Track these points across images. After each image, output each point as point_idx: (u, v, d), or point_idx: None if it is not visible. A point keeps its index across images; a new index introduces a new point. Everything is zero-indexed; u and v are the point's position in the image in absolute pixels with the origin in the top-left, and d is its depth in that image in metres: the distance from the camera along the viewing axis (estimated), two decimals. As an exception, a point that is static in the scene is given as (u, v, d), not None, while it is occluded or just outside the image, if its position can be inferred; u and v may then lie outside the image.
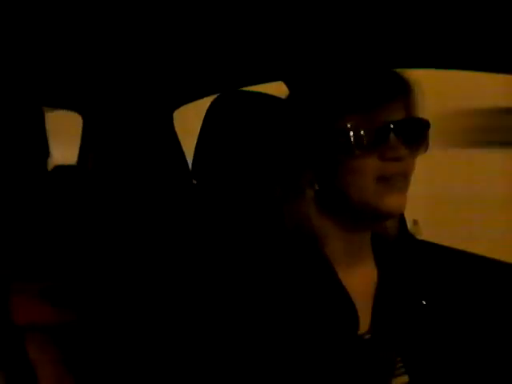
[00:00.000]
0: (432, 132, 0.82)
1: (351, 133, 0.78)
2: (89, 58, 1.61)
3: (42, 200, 1.31)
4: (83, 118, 1.93)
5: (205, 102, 1.62)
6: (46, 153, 1.33)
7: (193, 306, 0.79)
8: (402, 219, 0.93)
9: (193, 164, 1.13)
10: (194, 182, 1.19)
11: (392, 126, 0.78)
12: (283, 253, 0.81)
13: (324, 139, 0.80)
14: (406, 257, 0.87)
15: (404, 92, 0.80)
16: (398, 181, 0.79)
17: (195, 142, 1.17)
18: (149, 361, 0.89)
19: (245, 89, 1.43)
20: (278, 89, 1.18)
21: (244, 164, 1.00)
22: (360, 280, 0.83)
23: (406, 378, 0.81)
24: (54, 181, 1.55)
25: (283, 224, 0.82)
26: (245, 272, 0.79)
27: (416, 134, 0.80)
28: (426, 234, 1.20)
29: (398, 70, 0.82)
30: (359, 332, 0.81)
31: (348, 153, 0.79)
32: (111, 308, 1.09)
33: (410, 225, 1.04)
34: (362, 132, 0.78)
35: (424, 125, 0.81)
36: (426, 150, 0.81)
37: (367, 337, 0.81)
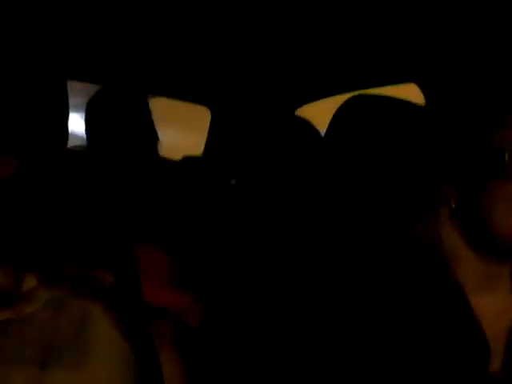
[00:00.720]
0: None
1: (507, 153, 0.71)
2: (218, 55, 1.68)
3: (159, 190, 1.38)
4: (212, 112, 2.01)
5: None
6: (154, 139, 1.41)
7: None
8: None
9: (317, 165, 1.13)
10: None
11: None
12: (410, 272, 0.75)
13: (474, 154, 0.74)
14: None
15: None
16: None
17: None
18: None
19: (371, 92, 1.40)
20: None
21: (373, 171, 0.98)
22: (493, 311, 0.75)
23: None
24: (183, 171, 1.64)
25: (412, 240, 0.77)
26: (370, 287, 0.75)
27: None
28: None
29: None
30: (490, 369, 0.73)
31: (500, 175, 0.71)
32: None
33: None
34: (507, 156, 0.70)
35: None
36: None
37: (498, 376, 0.74)
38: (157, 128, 1.43)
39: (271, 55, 1.63)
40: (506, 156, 0.71)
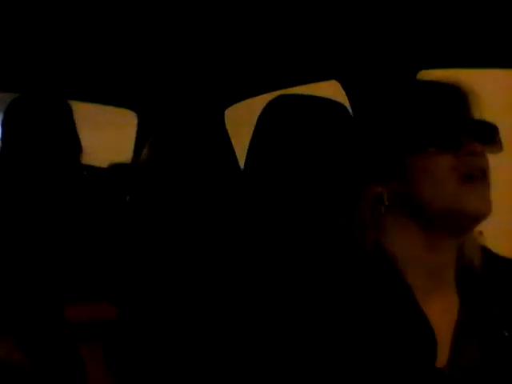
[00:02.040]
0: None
1: (422, 130, 0.75)
2: (143, 57, 1.64)
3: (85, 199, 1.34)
4: (138, 116, 1.97)
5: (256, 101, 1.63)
6: (77, 148, 1.36)
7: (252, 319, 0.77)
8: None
9: (245, 165, 1.13)
10: (245, 182, 1.18)
11: (465, 123, 0.75)
12: (355, 270, 0.77)
13: (390, 143, 0.77)
14: (489, 282, 0.80)
15: (471, 99, 0.78)
16: (479, 177, 0.74)
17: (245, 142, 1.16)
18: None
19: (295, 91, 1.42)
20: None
21: (300, 170, 0.99)
22: (440, 307, 0.77)
23: None
24: (110, 179, 1.59)
25: (356, 244, 0.78)
26: (317, 290, 0.75)
27: (488, 133, 0.77)
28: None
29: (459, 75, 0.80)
30: (437, 365, 0.74)
31: (420, 150, 0.74)
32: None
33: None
34: (433, 129, 0.75)
35: (493, 126, 0.78)
36: (499, 151, 0.77)
37: (445, 371, 0.75)
38: (81, 135, 1.38)
39: (196, 56, 1.61)
40: (424, 135, 0.74)
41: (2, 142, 1.34)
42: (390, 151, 0.77)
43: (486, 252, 0.83)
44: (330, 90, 1.27)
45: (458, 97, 0.77)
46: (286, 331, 0.74)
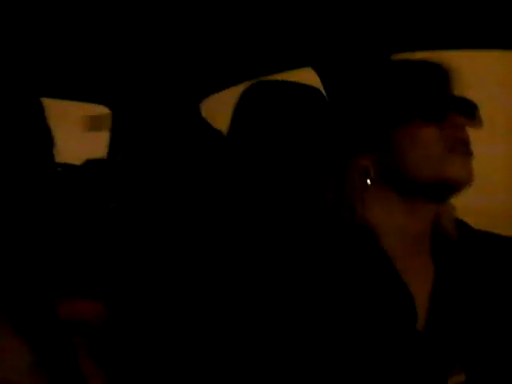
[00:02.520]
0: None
1: (409, 103, 0.78)
2: (116, 52, 1.62)
3: (58, 195, 1.32)
4: (112, 111, 1.94)
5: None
6: (50, 144, 1.34)
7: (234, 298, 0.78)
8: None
9: (226, 148, 1.12)
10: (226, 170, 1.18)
11: (449, 99, 0.78)
12: (338, 243, 0.79)
13: (378, 116, 0.79)
14: (463, 251, 0.84)
15: (453, 77, 0.81)
16: (461, 147, 0.77)
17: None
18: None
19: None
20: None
21: (282, 153, 0.99)
22: (417, 274, 0.81)
23: (462, 377, 0.78)
24: (85, 174, 1.57)
25: (337, 214, 0.80)
26: (297, 261, 0.78)
27: (469, 108, 0.80)
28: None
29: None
30: (416, 327, 0.78)
31: (406, 121, 0.77)
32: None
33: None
34: (420, 102, 0.78)
35: (473, 103, 0.81)
36: (480, 126, 0.80)
37: (423, 333, 0.79)
38: (54, 132, 1.35)
39: (169, 50, 1.60)
40: (410, 107, 0.77)
41: None
42: (377, 123, 0.80)
43: (459, 223, 0.86)
44: (305, 77, 1.27)
45: (441, 73, 0.80)
46: (275, 296, 0.75)
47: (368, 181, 0.80)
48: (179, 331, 0.97)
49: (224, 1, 1.30)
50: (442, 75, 0.80)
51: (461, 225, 0.86)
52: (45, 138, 1.33)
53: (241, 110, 1.07)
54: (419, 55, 0.83)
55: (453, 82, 0.81)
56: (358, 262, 0.79)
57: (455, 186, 0.79)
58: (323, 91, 1.15)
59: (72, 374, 0.71)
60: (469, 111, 0.80)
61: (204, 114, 1.81)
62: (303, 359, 0.75)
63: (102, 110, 1.94)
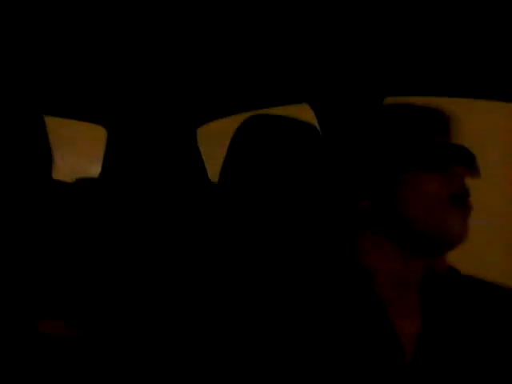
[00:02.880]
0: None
1: (413, 150, 0.78)
2: (114, 72, 1.64)
3: (53, 210, 1.33)
4: (108, 132, 1.95)
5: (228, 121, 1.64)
6: (49, 160, 1.35)
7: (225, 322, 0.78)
8: None
9: (220, 183, 1.14)
10: (218, 199, 1.19)
11: (451, 148, 0.79)
12: (332, 279, 0.80)
13: (380, 162, 0.80)
14: (451, 293, 0.85)
15: (451, 125, 0.82)
16: (464, 200, 0.78)
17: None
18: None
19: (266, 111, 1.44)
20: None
21: (276, 188, 1.01)
22: (406, 314, 0.81)
23: None
24: (77, 193, 1.57)
25: (334, 252, 0.81)
26: (289, 294, 0.78)
27: (469, 158, 0.80)
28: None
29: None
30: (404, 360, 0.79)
31: (410, 169, 0.78)
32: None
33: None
34: (423, 150, 0.78)
35: (471, 153, 0.82)
36: (478, 176, 0.81)
37: (411, 363, 0.79)
38: (53, 150, 1.37)
39: (168, 74, 1.62)
40: (416, 155, 0.78)
41: None
42: (378, 169, 0.80)
43: (451, 269, 0.87)
44: (301, 112, 1.30)
45: (442, 121, 0.82)
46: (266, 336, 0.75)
47: (365, 222, 0.80)
48: (177, 333, 0.97)
49: (226, 33, 1.33)
50: (443, 123, 0.81)
51: (452, 270, 0.87)
52: (45, 155, 1.34)
53: (236, 144, 1.09)
54: (415, 100, 0.85)
55: (452, 130, 0.82)
56: (349, 299, 0.79)
57: (452, 242, 0.79)
58: (318, 128, 1.18)
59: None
60: (469, 161, 0.80)
61: (199, 139, 1.84)
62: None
63: (98, 130, 1.96)
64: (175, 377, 0.94)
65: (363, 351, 0.77)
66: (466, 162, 0.79)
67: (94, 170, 1.91)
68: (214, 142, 1.53)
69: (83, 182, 1.62)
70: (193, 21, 1.32)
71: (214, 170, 1.38)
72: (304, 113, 1.31)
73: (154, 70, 1.61)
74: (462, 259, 0.87)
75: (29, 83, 1.65)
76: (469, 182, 0.80)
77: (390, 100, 1.12)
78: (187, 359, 0.87)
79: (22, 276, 1.12)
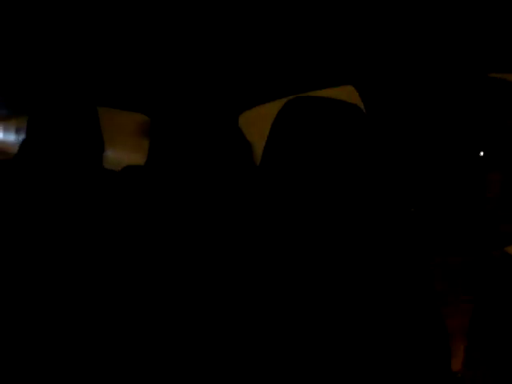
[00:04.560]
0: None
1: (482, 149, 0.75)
2: (156, 62, 1.66)
3: (104, 197, 1.36)
4: (151, 120, 1.98)
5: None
6: (100, 149, 1.38)
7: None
8: None
9: (261, 166, 1.14)
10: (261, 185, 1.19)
11: None
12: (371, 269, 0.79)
13: (454, 158, 0.77)
14: (506, 283, 0.83)
15: None
16: None
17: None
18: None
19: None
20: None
21: (319, 170, 1.00)
22: (455, 312, 0.80)
23: None
24: (124, 180, 1.60)
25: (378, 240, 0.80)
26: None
27: None
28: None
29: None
30: (453, 369, 0.77)
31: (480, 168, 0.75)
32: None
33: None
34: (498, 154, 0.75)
35: None
36: None
37: (461, 373, 0.79)
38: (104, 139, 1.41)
39: (209, 61, 1.63)
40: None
41: (29, 140, 1.37)
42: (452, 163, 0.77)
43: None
44: (346, 94, 1.28)
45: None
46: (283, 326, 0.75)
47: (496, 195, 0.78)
48: (179, 330, 0.98)
49: (269, 16, 1.33)
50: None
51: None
52: (97, 144, 1.38)
53: (279, 125, 1.08)
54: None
55: None
56: (405, 298, 0.78)
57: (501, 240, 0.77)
58: (364, 110, 1.16)
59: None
60: None
61: (242, 126, 1.84)
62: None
63: (141, 119, 1.99)
64: (175, 377, 0.95)
65: (411, 348, 0.75)
66: None
67: (140, 158, 1.94)
68: (258, 127, 1.53)
69: (130, 170, 1.65)
70: (228, 11, 1.32)
71: (256, 156, 1.38)
72: (349, 95, 1.29)
73: (194, 59, 1.62)
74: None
75: (81, 77, 1.69)
76: None
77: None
78: (187, 359, 0.88)
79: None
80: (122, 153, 2.09)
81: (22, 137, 1.36)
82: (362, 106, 1.23)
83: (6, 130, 2.21)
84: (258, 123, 1.58)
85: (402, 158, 0.81)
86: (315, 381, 0.73)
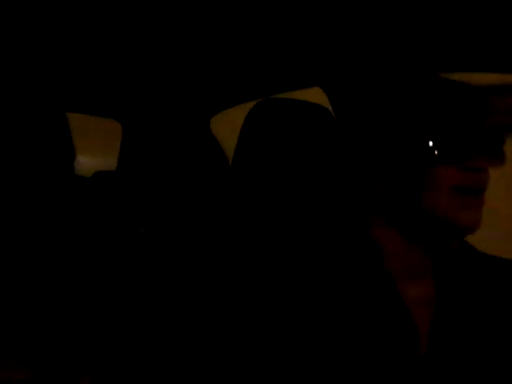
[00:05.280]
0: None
1: (431, 141, 0.76)
2: (128, 67, 1.65)
3: (75, 203, 1.35)
4: (122, 126, 1.97)
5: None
6: (71, 156, 1.37)
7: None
8: None
9: (232, 167, 1.14)
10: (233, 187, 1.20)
11: (473, 136, 0.76)
12: (345, 258, 0.80)
13: (398, 149, 0.79)
14: (466, 272, 0.84)
15: (482, 107, 0.79)
16: (475, 193, 0.76)
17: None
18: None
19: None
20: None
21: (289, 171, 1.01)
22: (418, 296, 0.81)
23: None
24: (94, 187, 1.59)
25: (347, 229, 0.81)
26: (300, 269, 0.79)
27: (495, 146, 0.77)
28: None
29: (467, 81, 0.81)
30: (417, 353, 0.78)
31: (425, 163, 0.76)
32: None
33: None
34: (442, 142, 0.76)
35: (502, 137, 0.79)
36: (503, 164, 0.78)
37: (425, 356, 0.78)
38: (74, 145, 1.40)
39: (178, 66, 1.63)
40: (431, 146, 0.75)
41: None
42: (394, 157, 0.79)
43: (468, 248, 0.86)
44: (314, 96, 1.30)
45: (473, 103, 0.78)
46: (277, 316, 0.75)
47: (378, 205, 0.80)
48: (179, 330, 0.98)
49: (236, 20, 1.33)
50: (473, 104, 0.78)
51: (469, 249, 0.86)
52: (68, 150, 1.36)
53: (249, 127, 1.10)
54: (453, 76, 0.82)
55: (485, 109, 0.78)
56: (361, 279, 0.79)
57: (459, 233, 0.79)
58: (331, 111, 1.17)
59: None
60: (495, 150, 0.76)
61: (213, 129, 1.84)
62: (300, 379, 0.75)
63: (112, 124, 1.97)
64: (175, 377, 0.95)
65: (375, 335, 0.76)
66: (490, 151, 0.76)
67: (111, 163, 1.93)
68: (229, 129, 1.53)
69: (101, 176, 1.64)
70: (199, 12, 1.32)
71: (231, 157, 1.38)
72: (317, 96, 1.30)
73: (163, 63, 1.62)
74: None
75: (48, 81, 1.67)
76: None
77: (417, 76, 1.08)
78: (188, 359, 0.88)
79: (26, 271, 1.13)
80: (93, 159, 2.07)
81: None
82: (330, 108, 1.25)
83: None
84: (229, 126, 1.58)
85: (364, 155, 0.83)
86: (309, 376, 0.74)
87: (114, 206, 1.49)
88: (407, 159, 0.78)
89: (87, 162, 1.76)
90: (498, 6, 0.99)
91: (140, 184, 1.67)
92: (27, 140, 1.32)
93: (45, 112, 1.36)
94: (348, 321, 0.76)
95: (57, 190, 1.31)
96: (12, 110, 1.37)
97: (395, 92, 0.83)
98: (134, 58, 1.60)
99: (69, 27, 1.39)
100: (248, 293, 0.79)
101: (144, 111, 1.89)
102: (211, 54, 1.53)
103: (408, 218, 0.79)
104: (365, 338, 0.76)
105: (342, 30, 1.27)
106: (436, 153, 0.76)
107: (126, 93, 1.83)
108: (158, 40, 1.48)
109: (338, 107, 1.29)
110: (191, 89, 1.75)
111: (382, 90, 0.84)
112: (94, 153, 2.26)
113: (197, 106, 1.81)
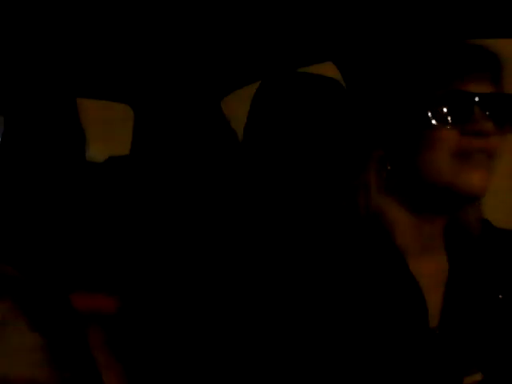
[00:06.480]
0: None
1: (430, 104, 0.73)
2: (137, 51, 1.64)
3: (87, 190, 1.35)
4: (134, 110, 1.96)
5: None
6: (82, 141, 1.37)
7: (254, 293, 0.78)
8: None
9: (243, 148, 1.13)
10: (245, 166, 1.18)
11: (477, 99, 0.72)
12: (350, 240, 0.78)
13: (399, 112, 0.76)
14: (481, 247, 0.81)
15: (492, 66, 0.74)
16: (480, 158, 0.72)
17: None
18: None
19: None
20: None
21: (300, 146, 0.99)
22: (430, 271, 0.78)
23: (479, 376, 0.76)
24: (106, 172, 1.59)
25: (350, 210, 0.79)
26: (309, 258, 0.77)
27: (504, 109, 0.73)
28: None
29: (484, 43, 0.78)
30: (430, 326, 0.76)
31: (426, 126, 0.73)
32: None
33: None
34: (443, 103, 0.73)
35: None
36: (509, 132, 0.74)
37: (437, 331, 0.77)
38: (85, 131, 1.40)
39: (189, 46, 1.61)
40: (431, 109, 0.72)
41: (7, 135, 1.35)
42: (394, 120, 0.77)
43: (483, 222, 0.83)
44: (325, 71, 1.27)
45: (478, 63, 0.74)
46: (282, 299, 0.74)
47: (384, 173, 0.77)
48: (183, 331, 0.98)
49: (243, 2, 1.31)
50: (478, 64, 0.74)
51: (483, 223, 0.83)
52: (78, 136, 1.36)
53: (259, 102, 1.08)
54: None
55: (496, 73, 0.74)
56: (369, 257, 0.77)
57: (463, 198, 0.75)
58: (343, 85, 1.15)
59: (86, 367, 0.72)
60: (503, 115, 0.73)
61: (225, 111, 1.82)
62: (311, 358, 0.73)
63: (124, 109, 1.97)
64: (175, 377, 0.94)
65: (385, 311, 0.75)
66: (497, 115, 0.72)
67: (124, 148, 1.93)
68: (241, 110, 1.51)
69: (114, 161, 1.64)
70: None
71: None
72: (329, 71, 1.27)
73: (173, 47, 1.61)
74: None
75: (59, 67, 1.67)
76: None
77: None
78: (188, 359, 0.87)
79: (52, 250, 1.14)
80: (106, 144, 2.07)
81: None
82: (342, 82, 1.22)
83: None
84: (240, 106, 1.56)
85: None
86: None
87: (126, 192, 1.49)
88: (405, 120, 0.76)
89: (100, 148, 1.76)
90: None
91: (153, 169, 1.67)
92: (38, 127, 1.32)
93: (53, 99, 1.35)
94: (358, 298, 0.75)
95: (68, 176, 1.31)
96: (22, 96, 1.37)
97: (395, 52, 0.81)
98: (145, 42, 1.59)
99: (81, 13, 1.38)
100: (253, 280, 0.78)
101: (155, 95, 1.88)
102: (221, 34, 1.50)
103: (410, 185, 0.77)
104: (374, 313, 0.74)
105: (354, 4, 1.23)
106: (433, 113, 0.73)
107: (137, 77, 1.82)
108: (168, 23, 1.47)
109: (351, 82, 1.27)
110: (201, 69, 1.73)
111: (384, 53, 0.81)
112: (107, 138, 2.26)
113: (208, 88, 1.79)
